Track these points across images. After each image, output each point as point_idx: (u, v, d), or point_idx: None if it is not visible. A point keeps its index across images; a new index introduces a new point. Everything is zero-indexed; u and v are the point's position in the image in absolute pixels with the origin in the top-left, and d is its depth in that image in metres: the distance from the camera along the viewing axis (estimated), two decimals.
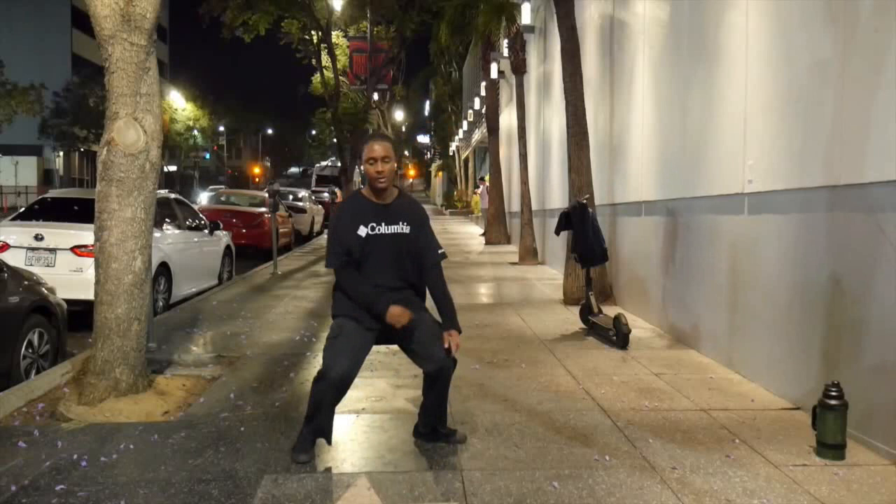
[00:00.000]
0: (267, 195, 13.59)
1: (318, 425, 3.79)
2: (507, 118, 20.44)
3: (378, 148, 3.64)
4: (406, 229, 3.74)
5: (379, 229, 3.68)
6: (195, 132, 57.17)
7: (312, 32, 24.08)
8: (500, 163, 19.54)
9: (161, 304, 8.29)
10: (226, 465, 3.72)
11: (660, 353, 6.34)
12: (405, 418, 4.41)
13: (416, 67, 44.80)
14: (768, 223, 5.16)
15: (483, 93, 21.93)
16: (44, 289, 5.83)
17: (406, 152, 54.85)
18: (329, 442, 3.87)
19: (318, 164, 44.96)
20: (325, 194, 25.77)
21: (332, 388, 3.63)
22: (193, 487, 3.45)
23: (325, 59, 24.87)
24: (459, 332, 3.75)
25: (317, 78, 27.02)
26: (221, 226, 11.04)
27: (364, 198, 3.75)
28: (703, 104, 6.27)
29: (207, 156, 65.13)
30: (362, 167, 3.74)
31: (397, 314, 3.60)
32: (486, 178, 23.22)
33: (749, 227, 5.44)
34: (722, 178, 5.84)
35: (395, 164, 3.74)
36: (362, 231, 3.66)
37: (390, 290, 3.70)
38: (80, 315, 6.56)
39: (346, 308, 3.72)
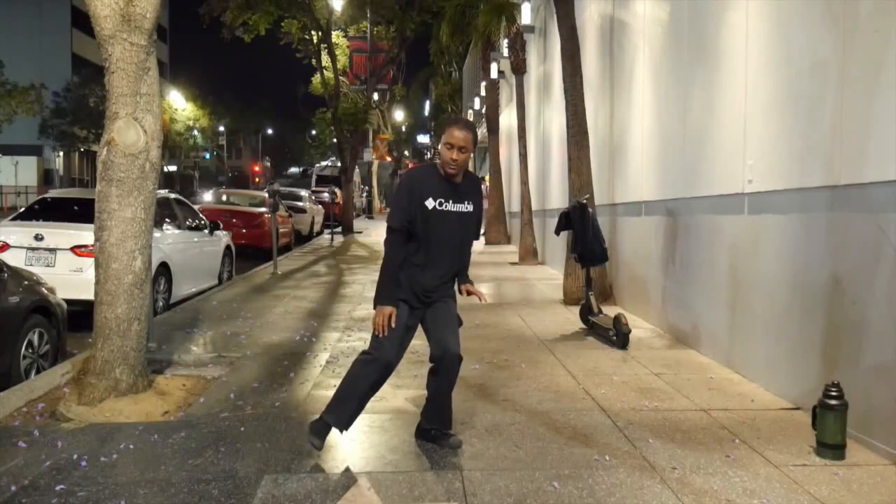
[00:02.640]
0: (267, 195, 13.59)
1: (349, 409, 3.79)
2: (507, 118, 20.44)
3: (459, 135, 3.63)
4: (470, 208, 3.79)
5: (446, 206, 3.69)
6: (195, 132, 57.18)
7: (312, 32, 24.11)
8: (500, 163, 19.54)
9: (161, 304, 8.28)
10: (226, 465, 3.72)
11: (660, 353, 6.34)
12: (405, 418, 4.41)
13: (416, 67, 44.75)
14: (768, 223, 5.16)
15: (483, 93, 21.92)
16: (44, 289, 5.82)
17: (406, 152, 54.86)
18: (346, 429, 3.86)
19: (318, 164, 44.93)
20: (325, 194, 25.74)
21: (381, 370, 3.74)
22: (193, 487, 3.45)
23: (325, 59, 24.89)
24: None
25: (317, 78, 27.03)
26: (221, 226, 11.04)
27: (437, 171, 3.72)
28: (703, 104, 6.27)
29: (207, 156, 65.13)
30: (439, 146, 3.73)
31: (386, 313, 3.64)
32: (486, 178, 23.22)
33: (749, 227, 5.44)
34: (722, 178, 5.84)
35: (471, 156, 3.74)
36: (430, 203, 3.65)
37: (445, 281, 3.81)
38: (80, 315, 6.56)
39: (397, 292, 3.75)
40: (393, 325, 3.65)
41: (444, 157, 3.65)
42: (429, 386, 3.91)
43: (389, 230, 3.71)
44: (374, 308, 3.74)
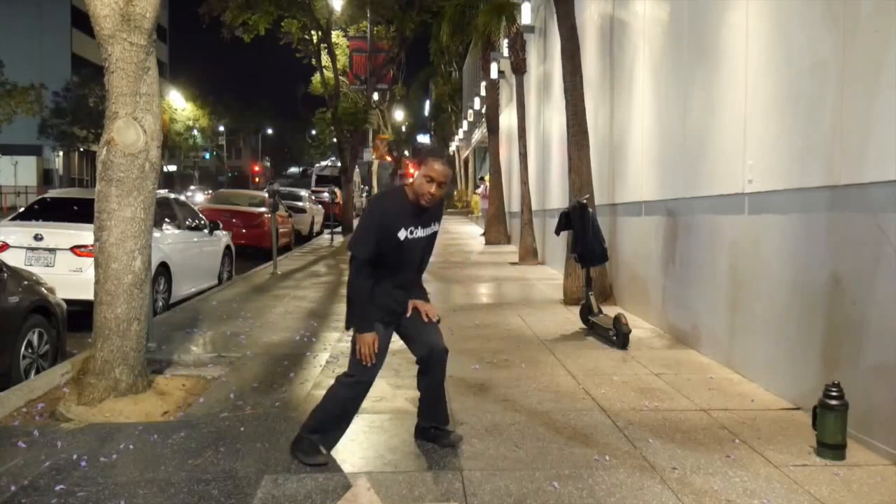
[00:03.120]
0: (267, 195, 13.58)
1: (341, 431, 3.83)
2: (507, 118, 20.44)
3: (440, 170, 3.59)
4: (436, 228, 3.84)
5: (416, 233, 3.70)
6: (195, 132, 57.18)
7: (312, 32, 24.10)
8: (500, 163, 19.54)
9: (161, 304, 8.28)
10: (226, 465, 3.72)
11: (660, 353, 6.34)
12: (405, 418, 4.41)
13: (416, 67, 44.77)
14: (768, 223, 5.16)
15: (483, 93, 21.92)
16: (44, 289, 5.82)
17: (406, 152, 54.85)
18: (330, 450, 3.86)
19: (318, 164, 44.92)
20: (325, 194, 25.73)
21: (367, 388, 3.80)
22: (193, 487, 3.44)
23: (325, 59, 24.89)
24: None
25: (317, 78, 27.03)
26: (221, 226, 11.04)
27: (407, 198, 3.68)
28: (703, 104, 6.27)
29: (207, 156, 65.14)
30: (416, 174, 3.70)
31: (369, 341, 3.63)
32: (487, 177, 23.23)
33: (749, 227, 5.44)
34: (722, 177, 5.84)
35: (448, 190, 3.77)
36: (402, 234, 3.64)
37: (411, 283, 3.82)
38: (80, 315, 6.56)
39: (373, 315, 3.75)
40: (376, 350, 3.66)
41: (421, 189, 3.60)
42: (420, 386, 3.93)
43: (355, 260, 3.67)
44: (347, 328, 3.79)
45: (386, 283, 3.71)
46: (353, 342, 3.72)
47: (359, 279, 3.66)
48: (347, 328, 3.77)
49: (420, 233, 3.71)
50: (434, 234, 3.85)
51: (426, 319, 3.82)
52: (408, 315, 3.82)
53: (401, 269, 3.73)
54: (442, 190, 3.64)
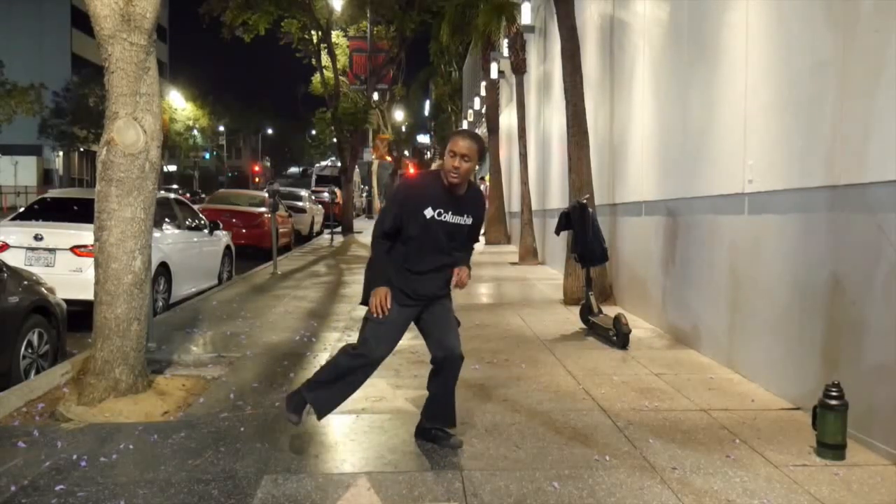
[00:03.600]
0: (267, 195, 13.59)
1: (332, 400, 3.82)
2: (507, 118, 20.45)
3: (462, 144, 3.64)
4: (468, 221, 3.81)
5: (445, 216, 3.70)
6: (195, 132, 57.21)
7: (312, 32, 24.12)
8: (500, 163, 19.55)
9: (161, 304, 8.28)
10: (226, 465, 3.72)
11: (660, 353, 6.34)
12: (405, 418, 4.41)
13: (416, 67, 44.73)
14: (768, 223, 5.16)
15: (483, 93, 21.94)
16: (43, 289, 5.82)
17: (406, 152, 54.83)
18: (320, 417, 3.90)
19: (318, 164, 44.98)
20: (325, 194, 25.75)
21: (368, 367, 3.76)
22: (193, 487, 3.44)
23: (325, 59, 24.91)
24: (469, 271, 3.85)
25: (317, 78, 27.04)
26: (221, 226, 11.04)
27: (440, 180, 3.72)
28: (703, 104, 6.27)
29: (207, 156, 65.15)
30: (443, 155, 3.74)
31: (381, 293, 3.65)
32: (487, 177, 23.24)
33: (749, 227, 5.44)
34: (722, 178, 5.84)
35: (476, 166, 3.75)
36: (428, 213, 3.66)
37: (432, 272, 3.77)
38: (80, 315, 6.55)
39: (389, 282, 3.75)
40: (388, 305, 3.65)
41: (446, 165, 3.67)
42: (430, 386, 3.92)
43: (375, 236, 3.75)
44: (363, 303, 3.82)
45: (405, 266, 3.72)
46: (365, 320, 3.75)
47: (375, 250, 3.75)
48: (363, 303, 3.81)
49: (449, 217, 3.70)
50: (464, 227, 3.78)
51: (456, 280, 3.75)
52: (454, 281, 3.75)
53: (423, 253, 3.71)
54: (467, 164, 3.64)
